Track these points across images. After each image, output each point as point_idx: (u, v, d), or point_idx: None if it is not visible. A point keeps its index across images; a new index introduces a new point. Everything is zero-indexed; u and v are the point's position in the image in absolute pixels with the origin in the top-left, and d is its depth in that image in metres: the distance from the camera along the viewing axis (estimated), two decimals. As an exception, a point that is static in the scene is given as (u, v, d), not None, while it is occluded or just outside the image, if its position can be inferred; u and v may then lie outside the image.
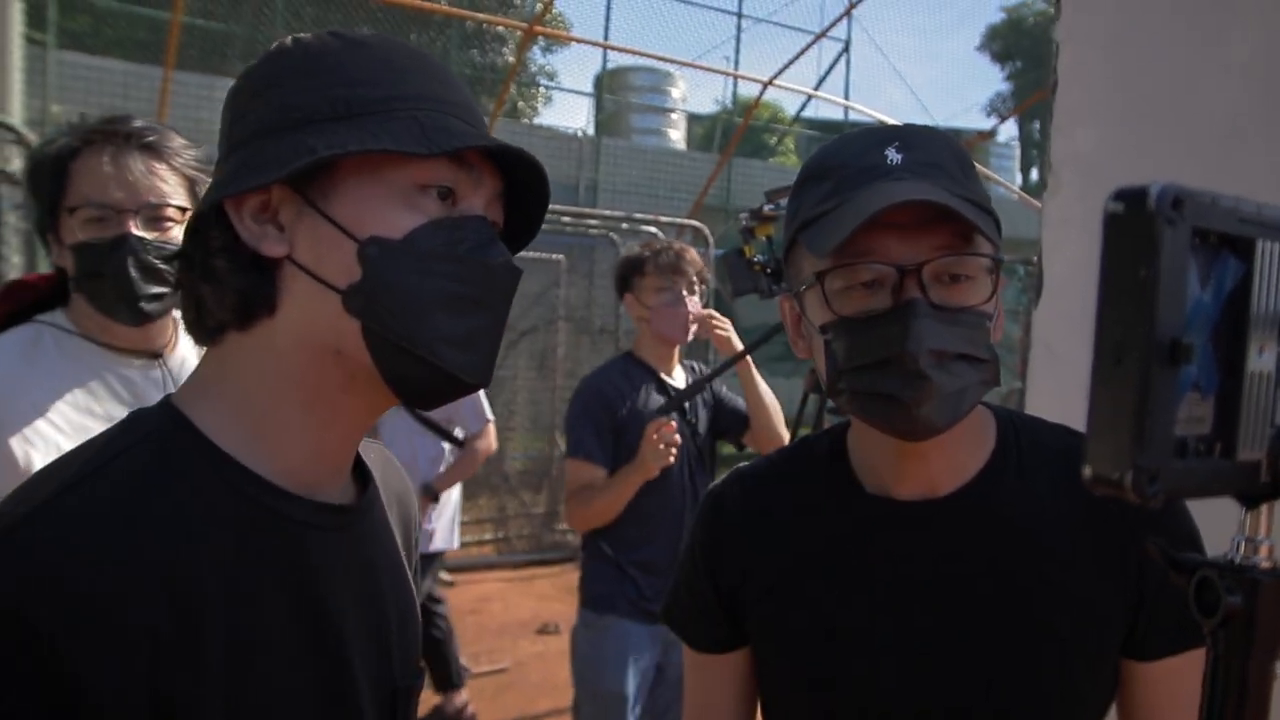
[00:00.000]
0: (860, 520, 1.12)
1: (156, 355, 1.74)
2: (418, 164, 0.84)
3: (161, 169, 1.64)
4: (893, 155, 1.02)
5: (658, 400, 2.94)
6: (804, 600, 1.13)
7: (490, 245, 0.88)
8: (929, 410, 0.98)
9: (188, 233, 0.89)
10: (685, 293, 2.96)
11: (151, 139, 1.64)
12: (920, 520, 1.09)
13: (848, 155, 1.05)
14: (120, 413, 1.63)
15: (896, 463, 1.10)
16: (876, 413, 1.02)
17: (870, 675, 1.09)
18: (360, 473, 1.00)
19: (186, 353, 1.79)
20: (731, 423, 3.11)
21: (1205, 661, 0.58)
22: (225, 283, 0.86)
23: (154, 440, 0.84)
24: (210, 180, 1.35)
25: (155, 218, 1.63)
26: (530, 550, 7.72)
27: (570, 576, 7.13)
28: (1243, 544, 0.58)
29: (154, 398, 1.65)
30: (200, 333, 0.90)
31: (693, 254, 3.06)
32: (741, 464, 1.27)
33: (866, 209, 0.96)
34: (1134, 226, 0.49)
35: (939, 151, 1.03)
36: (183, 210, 1.66)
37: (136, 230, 1.60)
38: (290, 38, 0.90)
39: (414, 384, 0.87)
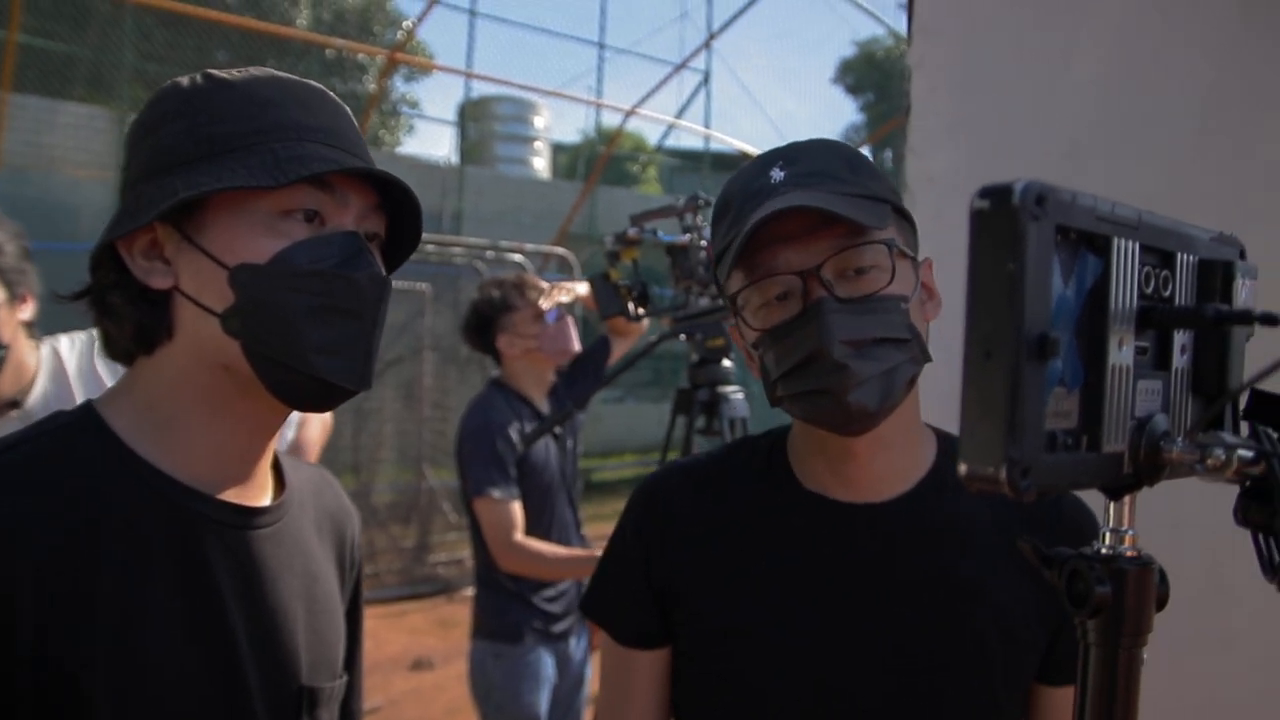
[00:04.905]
0: (802, 520, 1.13)
1: (15, 404, 1.77)
2: (277, 193, 0.91)
3: None
4: (776, 174, 1.06)
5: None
6: (740, 596, 1.13)
7: (354, 258, 0.94)
8: (858, 396, 1.00)
9: (90, 271, 0.97)
10: (554, 307, 2.99)
11: None
12: (861, 524, 1.11)
13: (740, 184, 1.10)
14: None
15: (838, 466, 1.12)
16: (814, 410, 1.04)
17: (800, 675, 1.09)
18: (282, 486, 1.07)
19: (48, 390, 1.81)
20: (594, 364, 3.19)
21: (1079, 652, 0.59)
22: (122, 316, 0.95)
23: (66, 430, 0.94)
24: (3, 236, 1.67)
25: None
26: (400, 584, 7.53)
27: (443, 610, 6.99)
28: (1108, 535, 0.60)
29: None
30: (112, 357, 1.00)
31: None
32: (675, 459, 1.27)
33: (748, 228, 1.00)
34: (1000, 223, 0.50)
35: (823, 159, 1.07)
36: None
37: None
38: (171, 82, 0.98)
39: (294, 392, 0.94)
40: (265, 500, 1.03)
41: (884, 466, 1.12)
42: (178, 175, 0.91)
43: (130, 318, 0.95)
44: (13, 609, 0.83)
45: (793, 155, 1.08)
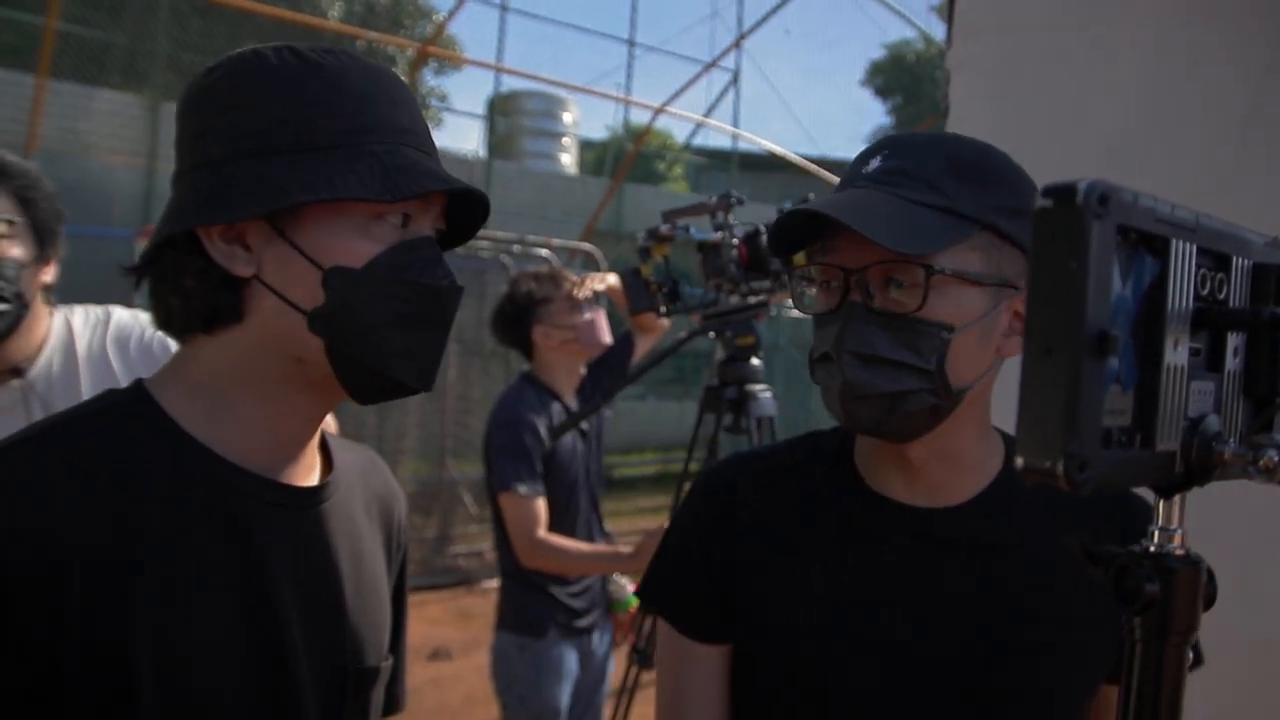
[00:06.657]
0: (865, 521, 1.11)
1: (18, 372, 1.68)
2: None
3: None
4: (873, 163, 1.04)
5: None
6: (805, 596, 1.10)
7: (437, 266, 0.97)
8: (854, 409, 1.01)
9: (157, 246, 0.94)
10: (589, 297, 3.01)
11: None
12: (922, 528, 1.09)
13: (853, 162, 1.08)
14: None
15: (897, 469, 1.10)
16: (828, 405, 1.05)
17: (862, 680, 1.07)
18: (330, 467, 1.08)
19: (54, 364, 1.74)
20: (617, 360, 3.19)
21: (1125, 647, 0.60)
22: (195, 298, 0.94)
23: (118, 409, 0.94)
24: (41, 193, 1.62)
25: None
26: (421, 574, 7.55)
27: (463, 601, 7.03)
28: (1157, 533, 0.61)
29: (10, 417, 1.60)
30: (167, 333, 0.99)
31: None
32: (742, 450, 1.26)
33: (802, 215, 1.01)
34: (1063, 221, 0.51)
35: (924, 158, 1.02)
36: (10, 224, 1.60)
37: None
38: (251, 50, 0.95)
39: (366, 389, 0.97)
40: (314, 480, 1.04)
41: (943, 473, 1.09)
42: (276, 166, 0.89)
43: (203, 300, 0.94)
44: (63, 589, 0.84)
45: (898, 148, 1.04)
